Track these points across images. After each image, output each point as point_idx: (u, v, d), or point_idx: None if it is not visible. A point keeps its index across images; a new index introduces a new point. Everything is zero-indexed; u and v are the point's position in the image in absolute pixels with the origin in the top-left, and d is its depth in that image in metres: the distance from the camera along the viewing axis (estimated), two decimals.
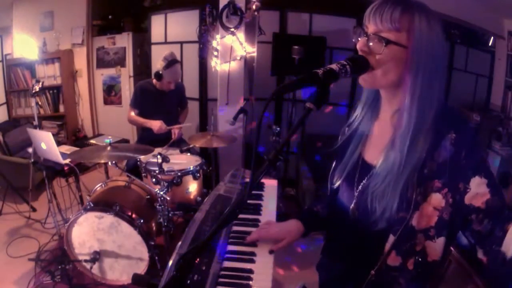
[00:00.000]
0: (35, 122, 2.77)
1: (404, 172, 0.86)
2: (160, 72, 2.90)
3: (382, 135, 0.96)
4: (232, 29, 3.04)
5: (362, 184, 0.98)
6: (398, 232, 0.87)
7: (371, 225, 0.89)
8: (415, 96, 0.85)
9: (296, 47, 3.17)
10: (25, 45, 3.97)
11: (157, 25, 4.06)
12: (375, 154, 0.96)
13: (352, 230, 1.01)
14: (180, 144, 2.99)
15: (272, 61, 3.47)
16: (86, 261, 2.18)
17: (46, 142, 2.49)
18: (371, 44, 0.84)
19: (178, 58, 3.15)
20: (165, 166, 2.36)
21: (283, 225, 1.21)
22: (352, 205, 1.00)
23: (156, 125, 2.93)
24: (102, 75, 4.61)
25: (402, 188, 0.86)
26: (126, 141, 3.92)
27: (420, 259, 0.88)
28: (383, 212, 0.88)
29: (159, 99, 3.07)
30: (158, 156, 2.23)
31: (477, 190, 0.83)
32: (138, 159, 2.59)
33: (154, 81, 3.05)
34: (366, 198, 0.93)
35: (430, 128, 0.85)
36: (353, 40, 0.89)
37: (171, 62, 2.89)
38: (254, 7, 3.06)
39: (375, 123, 1.01)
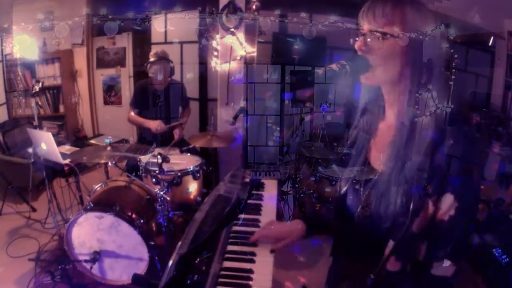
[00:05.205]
0: (35, 122, 2.77)
1: (403, 178, 0.84)
2: (148, 67, 2.91)
3: (385, 138, 0.95)
4: (232, 29, 3.03)
5: (368, 189, 0.97)
6: (398, 238, 0.86)
7: (375, 232, 0.88)
8: (406, 91, 0.84)
9: (296, 47, 3.17)
10: (25, 45, 3.96)
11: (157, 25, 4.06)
12: (379, 158, 0.96)
13: (357, 234, 1.00)
14: (181, 144, 2.99)
15: (272, 61, 3.46)
16: (86, 261, 2.18)
17: (46, 142, 2.49)
18: (369, 41, 0.84)
19: (178, 58, 3.15)
20: (165, 166, 2.36)
21: (285, 225, 1.20)
22: (358, 210, 0.99)
23: (154, 124, 2.92)
24: (102, 75, 4.60)
25: (404, 194, 0.84)
26: (126, 141, 3.92)
27: (416, 261, 0.87)
28: (386, 220, 0.88)
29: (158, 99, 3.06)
30: (158, 156, 2.23)
31: (444, 207, 0.82)
32: (138, 159, 2.59)
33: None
34: (371, 204, 0.93)
35: (433, 131, 0.83)
36: (351, 42, 0.89)
37: (157, 59, 2.89)
38: (254, 7, 3.06)
39: (379, 125, 1.00)
